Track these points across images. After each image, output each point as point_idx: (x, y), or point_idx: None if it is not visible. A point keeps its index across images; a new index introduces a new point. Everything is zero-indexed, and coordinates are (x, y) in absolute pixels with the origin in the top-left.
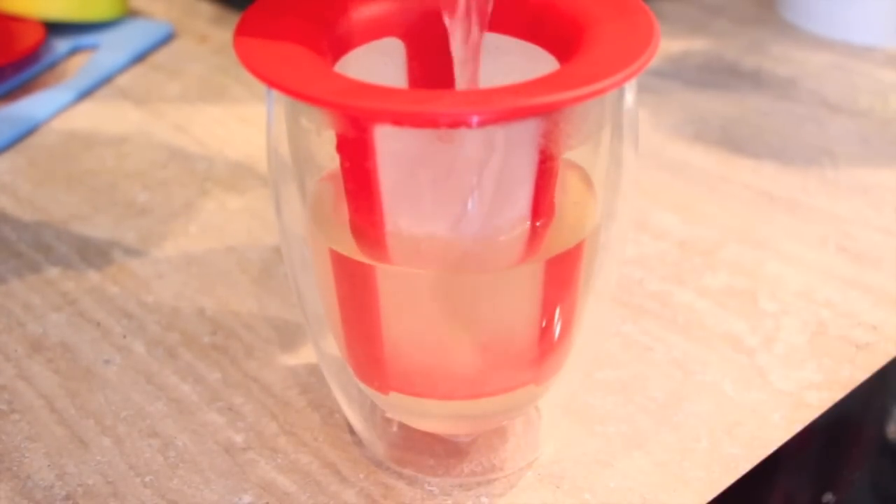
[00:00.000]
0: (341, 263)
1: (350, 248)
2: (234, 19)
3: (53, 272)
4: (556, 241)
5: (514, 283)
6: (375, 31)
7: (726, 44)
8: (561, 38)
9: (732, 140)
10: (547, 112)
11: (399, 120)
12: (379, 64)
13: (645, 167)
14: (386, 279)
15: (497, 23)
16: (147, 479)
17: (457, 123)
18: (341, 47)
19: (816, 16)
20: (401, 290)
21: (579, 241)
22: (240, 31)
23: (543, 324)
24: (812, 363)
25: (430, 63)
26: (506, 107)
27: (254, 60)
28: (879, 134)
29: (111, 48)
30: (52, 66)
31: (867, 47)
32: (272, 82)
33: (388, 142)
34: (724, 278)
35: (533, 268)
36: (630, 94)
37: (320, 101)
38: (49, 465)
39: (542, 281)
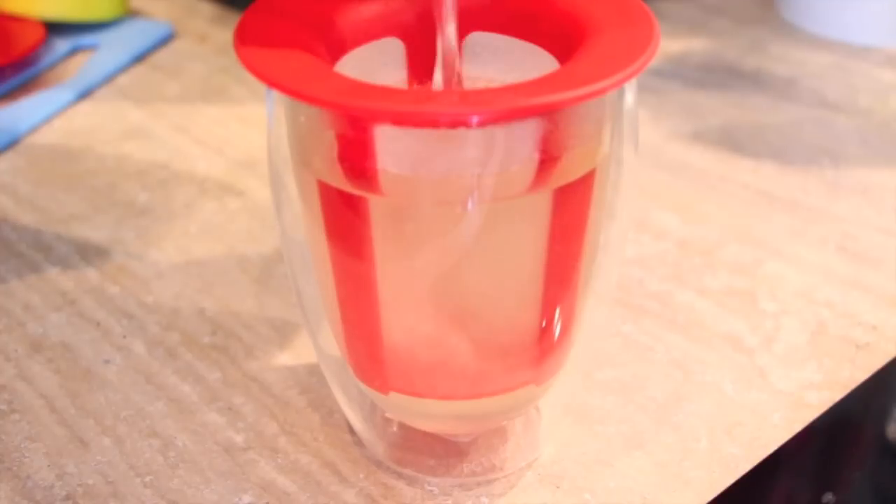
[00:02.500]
0: (331, 198)
1: (340, 180)
2: (234, 19)
3: (53, 272)
4: (566, 170)
5: (520, 214)
6: (375, 31)
7: (726, 44)
8: (561, 38)
9: (732, 140)
10: (547, 112)
11: (399, 120)
12: (379, 64)
13: (645, 167)
14: (380, 214)
15: (498, 23)
16: (147, 479)
17: (457, 123)
18: (341, 47)
19: (816, 16)
20: (397, 226)
21: (589, 171)
22: (240, 32)
23: (549, 274)
24: (812, 363)
25: (430, 63)
26: (506, 107)
27: (254, 60)
28: (879, 134)
29: (111, 48)
30: (52, 66)
31: (867, 47)
32: (272, 82)
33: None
34: (724, 278)
35: (541, 198)
36: (630, 94)
37: (320, 101)
38: (49, 465)
39: (551, 212)
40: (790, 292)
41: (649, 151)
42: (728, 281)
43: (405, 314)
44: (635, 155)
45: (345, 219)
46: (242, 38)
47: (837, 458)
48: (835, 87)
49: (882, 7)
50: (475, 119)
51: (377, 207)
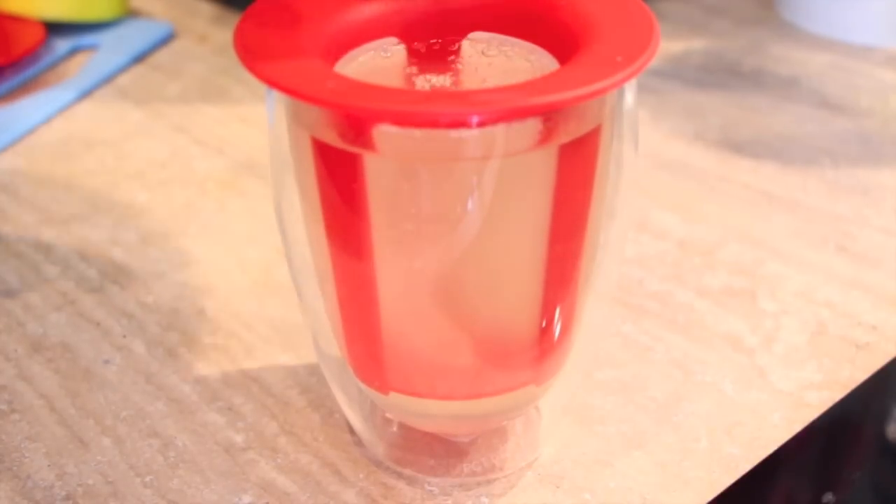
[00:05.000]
0: (326, 157)
1: (333, 137)
2: (234, 19)
3: (53, 272)
4: (571, 126)
5: (525, 171)
6: (375, 31)
7: (726, 44)
8: (561, 38)
9: (732, 140)
10: (547, 112)
11: (399, 120)
12: (378, 63)
13: (645, 167)
14: (377, 176)
15: (498, 23)
16: (147, 479)
17: (457, 123)
18: (341, 47)
19: (816, 16)
20: (395, 188)
21: (594, 127)
22: (240, 31)
23: (553, 246)
24: (812, 363)
25: (430, 63)
26: (506, 107)
27: (254, 60)
28: (879, 134)
29: (111, 48)
30: (52, 66)
31: (867, 47)
32: (272, 82)
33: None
34: (723, 278)
35: (546, 153)
36: (630, 94)
37: (320, 101)
38: (49, 465)
39: (556, 169)
40: (790, 292)
41: (649, 151)
42: (728, 281)
43: (405, 305)
44: (635, 155)
45: (339, 180)
46: (242, 39)
47: (837, 458)
48: (835, 87)
49: (882, 7)
50: (475, 119)
51: (373, 168)
